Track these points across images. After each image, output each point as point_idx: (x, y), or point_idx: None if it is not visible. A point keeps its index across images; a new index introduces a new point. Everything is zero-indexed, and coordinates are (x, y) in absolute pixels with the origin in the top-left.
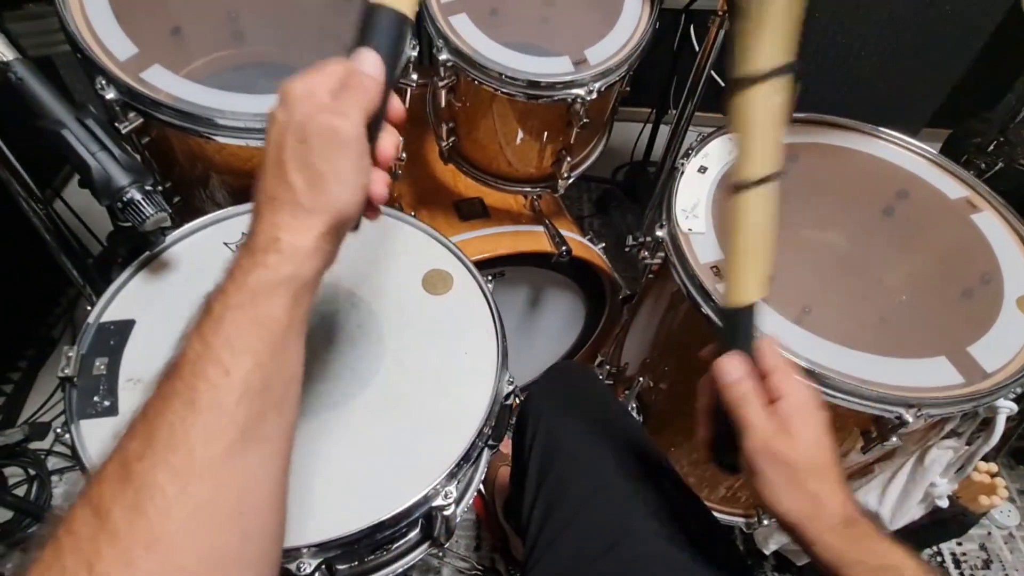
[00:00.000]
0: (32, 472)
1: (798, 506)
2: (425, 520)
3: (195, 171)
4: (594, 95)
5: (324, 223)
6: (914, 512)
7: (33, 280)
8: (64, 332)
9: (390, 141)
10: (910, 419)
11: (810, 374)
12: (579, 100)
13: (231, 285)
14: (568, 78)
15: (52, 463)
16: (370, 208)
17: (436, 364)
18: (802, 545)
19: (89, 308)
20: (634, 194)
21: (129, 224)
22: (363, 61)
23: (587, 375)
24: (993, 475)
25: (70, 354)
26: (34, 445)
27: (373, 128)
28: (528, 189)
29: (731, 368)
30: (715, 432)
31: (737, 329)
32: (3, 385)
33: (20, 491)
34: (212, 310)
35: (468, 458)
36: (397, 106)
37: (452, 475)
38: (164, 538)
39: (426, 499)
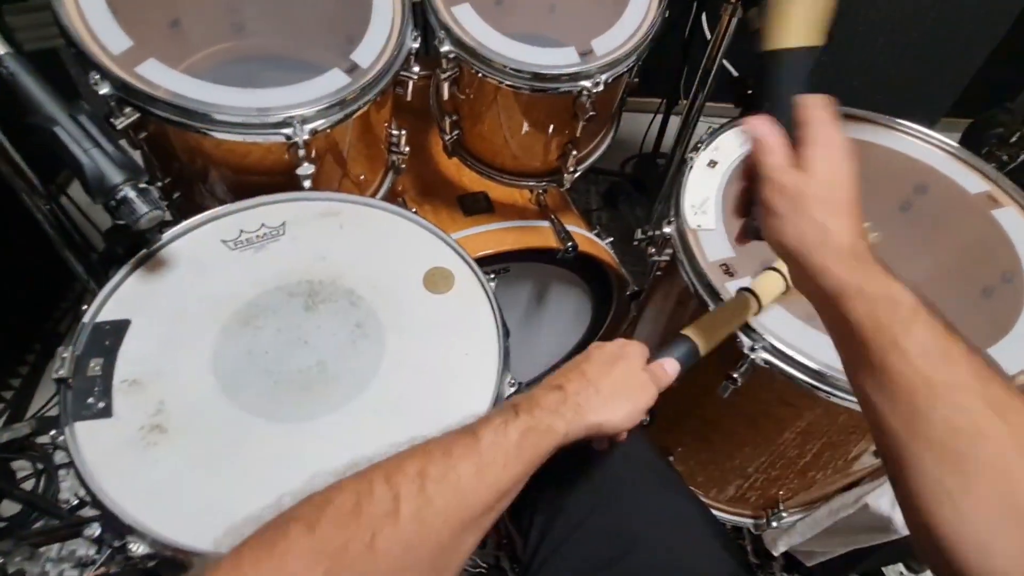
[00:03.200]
0: (40, 466)
1: (800, 233)
2: None
3: (194, 166)
4: (600, 87)
5: (599, 421)
6: None
7: (39, 275)
8: (70, 327)
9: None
10: None
11: (821, 377)
12: (585, 92)
13: (539, 411)
14: (574, 70)
15: (59, 457)
16: (615, 439)
17: (436, 365)
18: (804, 279)
19: (85, 307)
20: (643, 187)
21: (124, 222)
22: (671, 367)
23: None
24: None
25: (64, 355)
26: (41, 439)
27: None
28: (533, 183)
29: (758, 122)
30: (746, 207)
31: (778, 80)
32: (11, 380)
33: (28, 485)
34: (519, 415)
35: None
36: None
37: None
38: (419, 548)
39: None
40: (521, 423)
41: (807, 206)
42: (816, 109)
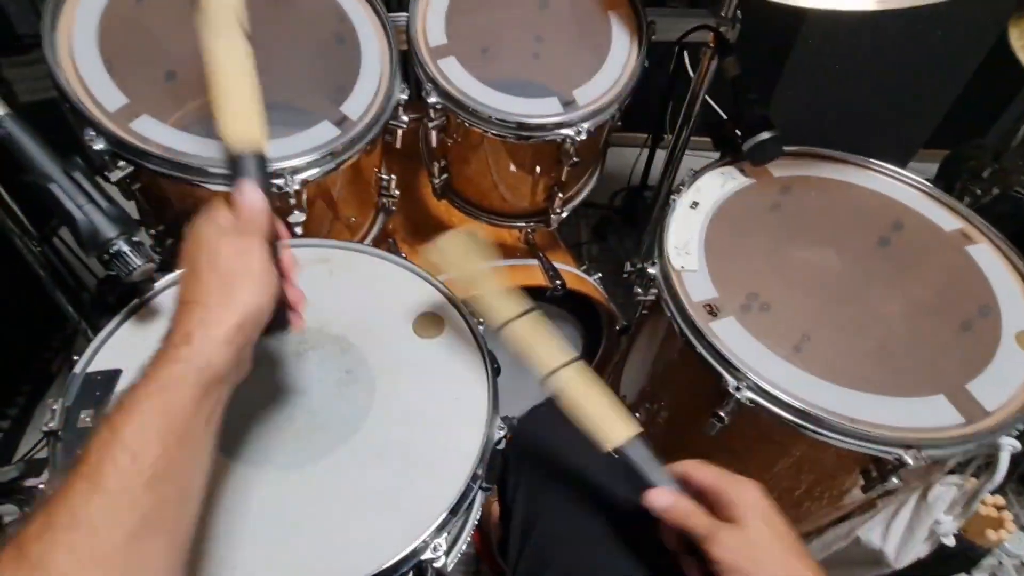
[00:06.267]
0: (27, 510)
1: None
2: (416, 572)
3: (188, 214)
4: (583, 136)
5: (234, 318)
6: (919, 550)
7: (28, 316)
8: (62, 367)
9: (287, 254)
10: (910, 460)
11: (806, 415)
12: (569, 140)
13: (143, 379)
14: (557, 119)
15: None
16: (294, 314)
17: (426, 410)
18: None
19: (76, 358)
20: (632, 219)
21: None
22: (249, 194)
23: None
24: (1000, 508)
25: (55, 407)
26: (30, 482)
27: (272, 245)
28: (522, 224)
29: (659, 496)
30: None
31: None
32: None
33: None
34: (123, 402)
35: (457, 509)
36: (280, 229)
37: (441, 527)
38: None
39: (414, 553)
40: (125, 409)
41: (770, 557)
42: (707, 472)
